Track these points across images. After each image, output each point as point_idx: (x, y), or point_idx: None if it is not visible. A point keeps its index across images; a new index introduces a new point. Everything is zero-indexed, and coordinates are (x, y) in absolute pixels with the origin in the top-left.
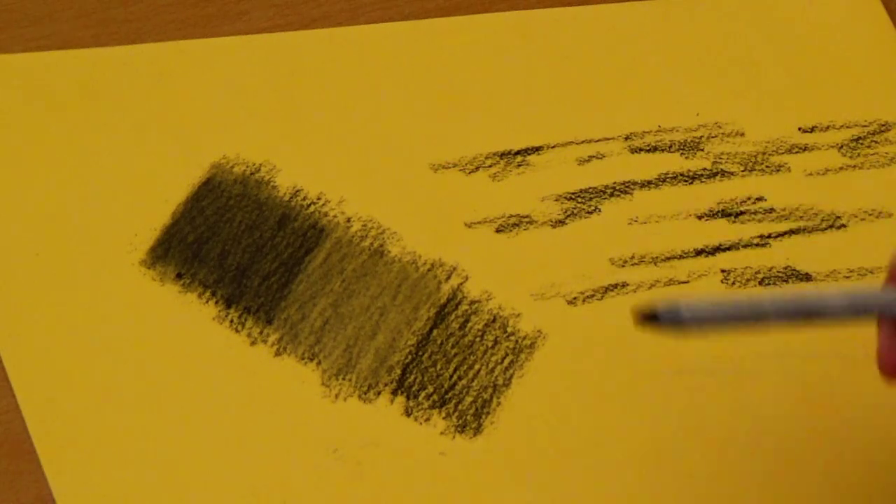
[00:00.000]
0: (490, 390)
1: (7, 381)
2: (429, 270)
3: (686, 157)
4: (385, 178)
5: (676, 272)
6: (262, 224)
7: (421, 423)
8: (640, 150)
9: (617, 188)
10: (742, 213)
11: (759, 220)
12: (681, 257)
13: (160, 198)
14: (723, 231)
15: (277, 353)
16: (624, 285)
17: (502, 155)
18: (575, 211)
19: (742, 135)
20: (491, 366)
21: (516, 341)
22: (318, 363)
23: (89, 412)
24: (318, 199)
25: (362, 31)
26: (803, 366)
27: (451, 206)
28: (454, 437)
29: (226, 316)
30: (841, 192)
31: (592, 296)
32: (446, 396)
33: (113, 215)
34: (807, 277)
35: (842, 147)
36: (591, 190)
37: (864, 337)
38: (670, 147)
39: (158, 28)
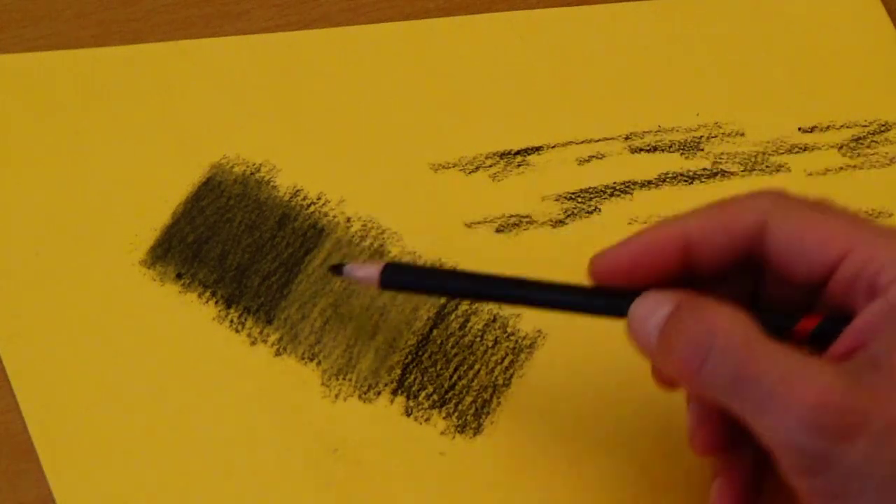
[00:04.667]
0: (490, 390)
1: (7, 381)
2: None
3: (686, 157)
4: (385, 178)
5: None
6: (262, 224)
7: (421, 423)
8: (640, 150)
9: (617, 188)
10: None
11: None
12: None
13: (160, 198)
14: None
15: (277, 353)
16: None
17: (502, 155)
18: (575, 211)
19: (742, 135)
20: (491, 366)
21: (516, 341)
22: (318, 363)
23: (89, 412)
24: (318, 199)
25: (362, 31)
26: None
27: (451, 206)
28: (454, 437)
29: (226, 316)
30: (841, 192)
31: None
32: (446, 396)
33: (113, 215)
34: None
35: (842, 147)
36: (591, 190)
37: None
38: (670, 147)
39: (158, 28)
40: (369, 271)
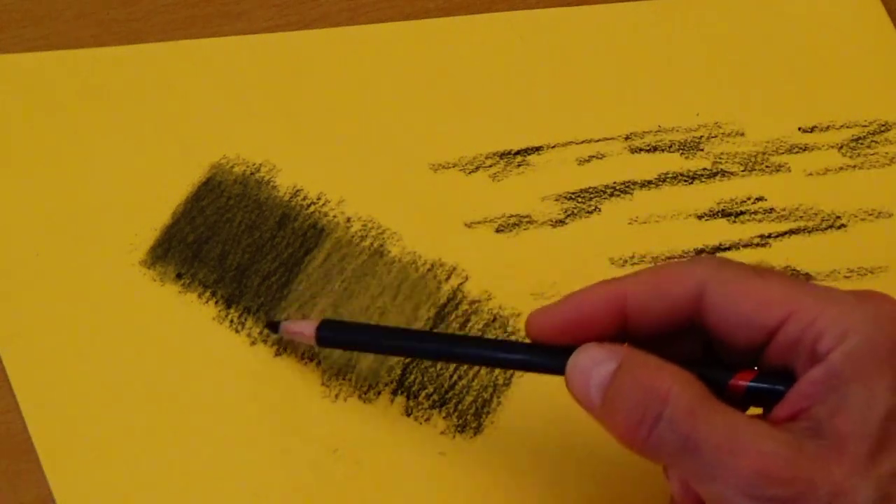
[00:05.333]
0: (490, 390)
1: (7, 381)
2: (429, 270)
3: (686, 157)
4: (385, 178)
5: None
6: (262, 224)
7: (421, 423)
8: (640, 150)
9: (617, 188)
10: (742, 213)
11: (759, 220)
12: (681, 257)
13: (160, 198)
14: (723, 231)
15: (277, 353)
16: None
17: (502, 155)
18: (575, 211)
19: (742, 135)
20: None
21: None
22: (318, 363)
23: (89, 412)
24: (318, 199)
25: (362, 31)
26: None
27: (451, 206)
28: (454, 436)
29: (226, 316)
30: (841, 192)
31: None
32: (446, 396)
33: (113, 215)
34: (807, 277)
35: (842, 147)
36: (591, 190)
37: None
38: (670, 147)
39: (158, 28)
40: (305, 328)
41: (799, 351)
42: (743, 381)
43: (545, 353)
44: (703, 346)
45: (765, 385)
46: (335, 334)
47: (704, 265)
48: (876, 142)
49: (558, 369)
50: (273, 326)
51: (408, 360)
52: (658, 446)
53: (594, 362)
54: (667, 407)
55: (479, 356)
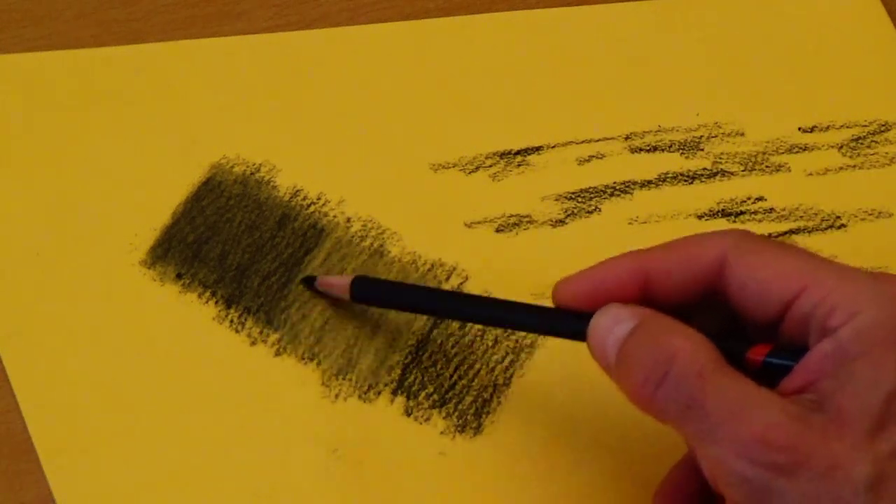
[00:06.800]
0: (490, 390)
1: (7, 381)
2: (429, 270)
3: (686, 157)
4: (385, 178)
5: None
6: (262, 224)
7: (421, 423)
8: (640, 150)
9: (617, 188)
10: (742, 213)
11: (759, 220)
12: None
13: (160, 198)
14: None
15: (277, 353)
16: None
17: (502, 155)
18: (575, 211)
19: (742, 135)
20: (491, 365)
21: (516, 341)
22: (318, 363)
23: (89, 412)
24: (318, 199)
25: (362, 31)
26: None
27: (451, 206)
28: (454, 436)
29: (226, 316)
30: (841, 192)
31: None
32: (446, 396)
33: (113, 215)
34: None
35: (842, 147)
36: (591, 190)
37: None
38: (670, 147)
39: (158, 28)
40: (339, 282)
41: (812, 325)
42: (759, 355)
43: (570, 318)
44: (726, 321)
45: (781, 359)
46: (368, 291)
47: (727, 236)
48: (876, 142)
49: (581, 333)
50: (308, 281)
51: (408, 360)
52: (663, 405)
53: (615, 321)
54: (674, 366)
55: (506, 318)
